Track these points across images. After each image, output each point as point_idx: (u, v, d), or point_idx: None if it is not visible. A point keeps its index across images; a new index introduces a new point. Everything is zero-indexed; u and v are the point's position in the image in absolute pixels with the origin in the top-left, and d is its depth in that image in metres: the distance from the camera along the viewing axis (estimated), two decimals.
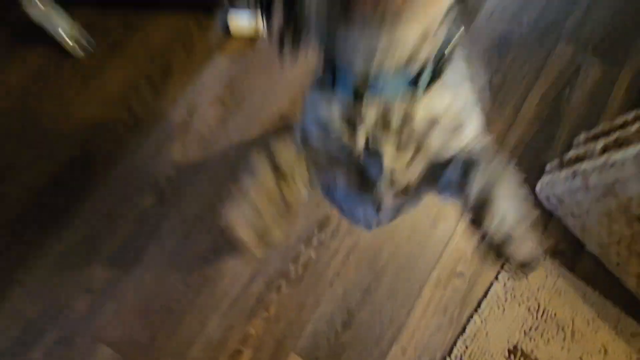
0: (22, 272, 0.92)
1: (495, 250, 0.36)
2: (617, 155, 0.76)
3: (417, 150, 0.39)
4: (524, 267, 0.37)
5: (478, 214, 0.35)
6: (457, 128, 0.39)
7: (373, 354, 0.91)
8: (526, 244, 0.35)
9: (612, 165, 0.78)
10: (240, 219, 0.40)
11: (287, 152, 0.42)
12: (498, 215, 0.34)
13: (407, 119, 0.36)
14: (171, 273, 0.93)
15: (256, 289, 0.93)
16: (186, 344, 0.89)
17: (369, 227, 0.59)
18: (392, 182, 0.42)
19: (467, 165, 0.37)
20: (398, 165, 0.40)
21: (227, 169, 1.00)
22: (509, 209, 0.35)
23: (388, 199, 0.45)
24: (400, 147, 0.38)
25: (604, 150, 0.84)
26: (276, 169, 0.41)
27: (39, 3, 0.97)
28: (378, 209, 0.47)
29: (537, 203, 1.01)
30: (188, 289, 0.93)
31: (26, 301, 0.90)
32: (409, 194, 0.44)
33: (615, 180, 0.77)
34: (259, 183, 0.40)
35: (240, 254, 0.94)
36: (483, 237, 0.35)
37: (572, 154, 0.98)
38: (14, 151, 1.01)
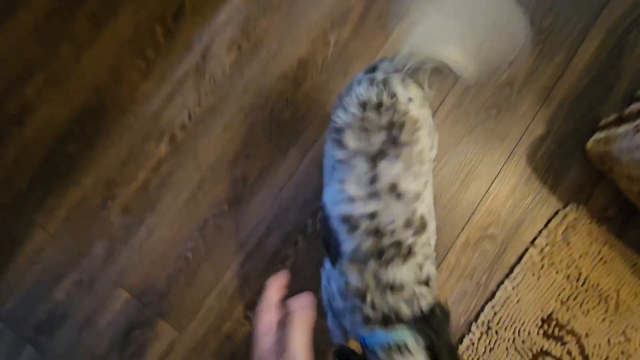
0: (42, 216, 0.93)
1: None
2: None
3: None
4: None
5: None
6: None
7: None
8: None
9: None
10: None
11: None
12: None
13: None
14: (186, 223, 0.91)
15: (273, 243, 0.90)
16: (202, 293, 0.88)
17: None
18: None
19: None
20: None
21: (242, 116, 0.95)
22: None
23: None
24: None
25: None
26: None
27: None
28: None
29: (587, 163, 0.90)
30: (203, 240, 0.91)
31: (47, 244, 0.92)
32: None
33: None
34: None
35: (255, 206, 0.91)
36: None
37: (633, 107, 0.85)
38: (31, 95, 0.99)
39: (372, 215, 0.53)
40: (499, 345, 0.83)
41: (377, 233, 0.53)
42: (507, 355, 0.83)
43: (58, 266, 0.91)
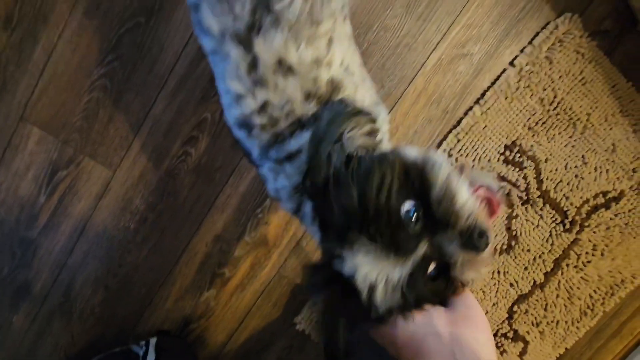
0: None
1: None
2: None
3: None
4: None
5: None
6: None
7: None
8: None
9: None
10: None
11: None
12: None
13: None
14: (93, 41, 0.72)
15: (207, 65, 0.75)
16: (130, 127, 0.76)
17: None
18: None
19: None
20: None
21: None
22: None
23: None
24: None
25: None
26: None
27: None
28: None
29: None
30: (121, 63, 0.73)
31: None
32: None
33: None
34: None
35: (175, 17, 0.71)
36: None
37: None
38: None
39: (263, 107, 0.41)
40: None
41: (273, 124, 0.41)
42: None
43: None
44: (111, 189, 0.79)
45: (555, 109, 0.78)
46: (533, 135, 0.80)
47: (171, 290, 0.85)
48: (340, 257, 0.30)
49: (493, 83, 0.77)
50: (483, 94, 0.77)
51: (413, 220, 0.29)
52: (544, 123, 0.79)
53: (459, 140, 0.79)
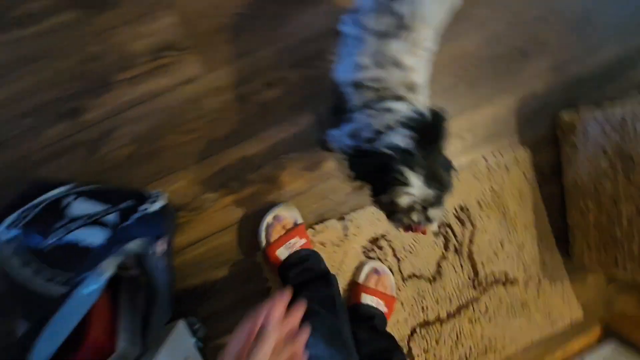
0: None
1: None
2: None
3: None
4: None
5: None
6: None
7: None
8: None
9: None
10: None
11: None
12: None
13: None
14: None
15: (322, 40, 1.05)
16: (247, 49, 1.00)
17: None
18: None
19: None
20: None
21: None
22: None
23: None
24: None
25: None
26: None
27: None
28: None
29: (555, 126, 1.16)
30: (276, 5, 1.00)
31: None
32: None
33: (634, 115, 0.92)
34: None
35: None
36: None
37: (613, 108, 1.10)
38: None
39: (376, 78, 0.68)
40: None
41: (379, 89, 0.68)
42: None
43: None
44: (192, 83, 1.00)
45: (498, 199, 1.13)
46: (479, 209, 1.13)
47: (186, 175, 1.01)
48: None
49: (470, 164, 1.12)
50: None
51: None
52: (488, 205, 1.13)
53: None
